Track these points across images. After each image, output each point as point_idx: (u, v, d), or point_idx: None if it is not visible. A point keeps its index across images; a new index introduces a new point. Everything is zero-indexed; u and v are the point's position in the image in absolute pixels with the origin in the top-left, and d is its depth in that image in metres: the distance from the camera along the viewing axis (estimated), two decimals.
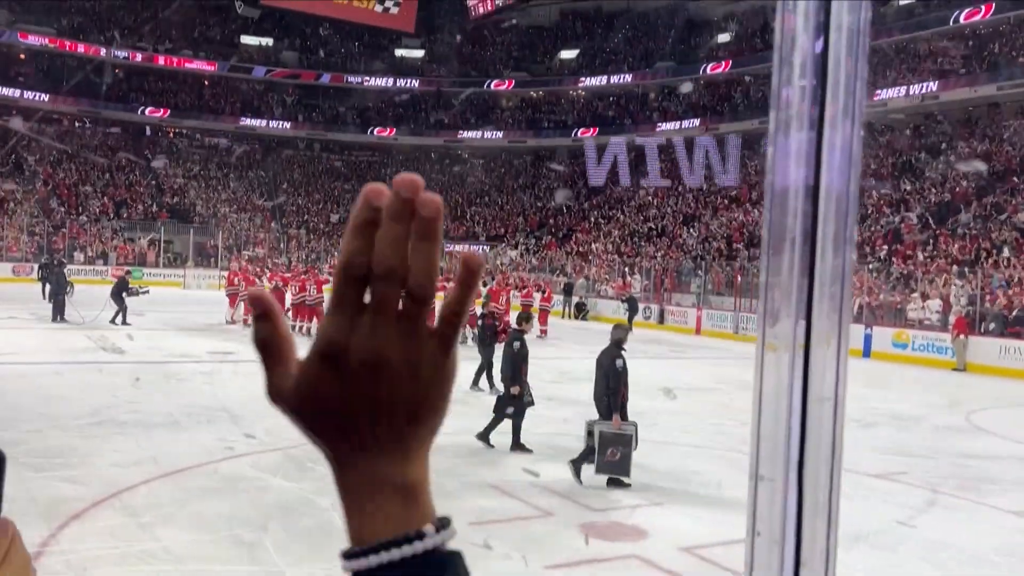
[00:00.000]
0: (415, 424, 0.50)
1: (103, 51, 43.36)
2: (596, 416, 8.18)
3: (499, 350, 12.17)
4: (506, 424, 9.32)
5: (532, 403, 9.40)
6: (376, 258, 0.46)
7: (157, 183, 44.39)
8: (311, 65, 48.52)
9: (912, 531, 7.12)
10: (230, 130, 48.15)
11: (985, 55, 33.17)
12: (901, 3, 34.42)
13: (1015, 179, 29.03)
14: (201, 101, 47.29)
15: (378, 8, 44.65)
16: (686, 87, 41.39)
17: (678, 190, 40.02)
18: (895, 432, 11.21)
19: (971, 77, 32.68)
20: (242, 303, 21.10)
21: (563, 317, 29.42)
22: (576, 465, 7.95)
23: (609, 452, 7.75)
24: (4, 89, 41.51)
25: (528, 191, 48.10)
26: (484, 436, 9.16)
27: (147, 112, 45.27)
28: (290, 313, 20.16)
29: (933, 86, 33.25)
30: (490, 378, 12.67)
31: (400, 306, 0.47)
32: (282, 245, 41.86)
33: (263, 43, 48.44)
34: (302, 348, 0.49)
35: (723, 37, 42.99)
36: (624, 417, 7.97)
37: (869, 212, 30.71)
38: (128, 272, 25.04)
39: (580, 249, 39.00)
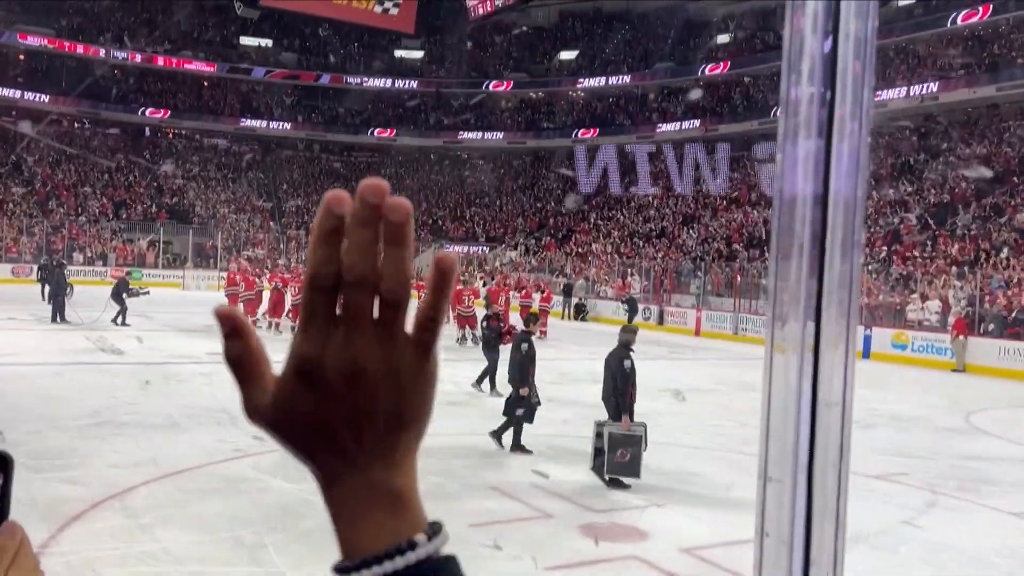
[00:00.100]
0: (399, 431, 0.48)
1: (102, 52, 43.36)
2: (595, 417, 8.19)
3: (503, 351, 12.21)
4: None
5: (539, 403, 9.43)
6: (346, 266, 0.46)
7: (157, 184, 44.39)
8: (310, 66, 48.52)
9: (912, 532, 7.12)
10: (229, 131, 48.16)
11: (984, 56, 33.20)
12: (900, 4, 34.44)
13: (1015, 179, 29.07)
14: (200, 102, 47.29)
15: (377, 9, 44.64)
16: (695, 93, 41.44)
17: (676, 191, 40.07)
18: (895, 433, 11.21)
19: (971, 78, 32.71)
20: (242, 304, 21.10)
21: (563, 318, 29.43)
22: (599, 471, 7.98)
23: (619, 453, 7.78)
24: (3, 90, 41.49)
25: (528, 192, 48.12)
26: (497, 434, 9.20)
27: (147, 113, 45.26)
28: (290, 314, 20.16)
29: (933, 87, 33.28)
30: (492, 381, 12.65)
31: (374, 314, 0.46)
32: (281, 246, 41.86)
33: (262, 44, 48.44)
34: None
35: (722, 38, 43.02)
36: (632, 418, 8.01)
37: (869, 213, 30.73)
38: (128, 273, 25.02)
39: (579, 250, 39.02)
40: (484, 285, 26.48)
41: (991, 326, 20.62)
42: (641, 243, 37.50)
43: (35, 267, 29.89)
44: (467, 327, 19.59)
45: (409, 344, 0.47)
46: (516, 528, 6.69)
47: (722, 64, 41.22)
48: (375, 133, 48.54)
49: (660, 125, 43.29)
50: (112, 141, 45.74)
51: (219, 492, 7.25)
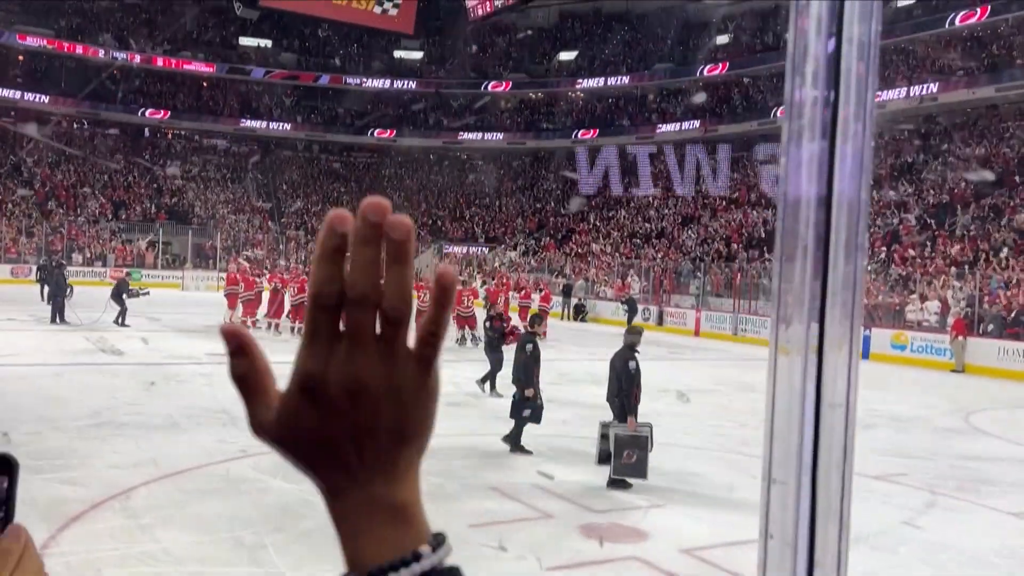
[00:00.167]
0: (401, 446, 0.49)
1: (102, 52, 43.35)
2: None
3: (505, 351, 12.20)
4: (507, 425, 9.33)
5: (541, 405, 9.44)
6: (349, 284, 0.47)
7: (156, 184, 44.40)
8: (310, 67, 48.51)
9: (911, 532, 7.13)
10: (229, 131, 48.15)
11: (984, 57, 33.22)
12: (899, 5, 34.46)
13: (1015, 180, 29.09)
14: (200, 103, 47.28)
15: (377, 9, 44.63)
16: (695, 94, 41.49)
17: (676, 192, 40.08)
18: (894, 433, 11.22)
19: (970, 79, 32.73)
20: (241, 304, 21.10)
21: (562, 319, 29.43)
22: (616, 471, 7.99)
23: (625, 454, 7.81)
24: (3, 91, 41.47)
25: (527, 192, 48.13)
26: (514, 440, 9.20)
27: (147, 114, 45.26)
28: (289, 315, 20.15)
29: (933, 88, 33.29)
30: (492, 382, 12.63)
31: (377, 330, 0.47)
32: (281, 246, 41.86)
33: (262, 44, 48.43)
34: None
35: (721, 39, 43.04)
36: (636, 419, 8.03)
37: (868, 214, 30.70)
38: (128, 274, 24.99)
39: (579, 250, 39.03)
40: (483, 285, 26.50)
41: (990, 327, 20.63)
42: (641, 243, 37.52)
43: (34, 267, 29.89)
44: (466, 328, 19.60)
45: (411, 360, 0.48)
46: (517, 529, 6.70)
47: (721, 65, 41.25)
48: (375, 134, 48.54)
49: (660, 126, 43.30)
50: (111, 142, 45.73)
51: (219, 492, 7.25)
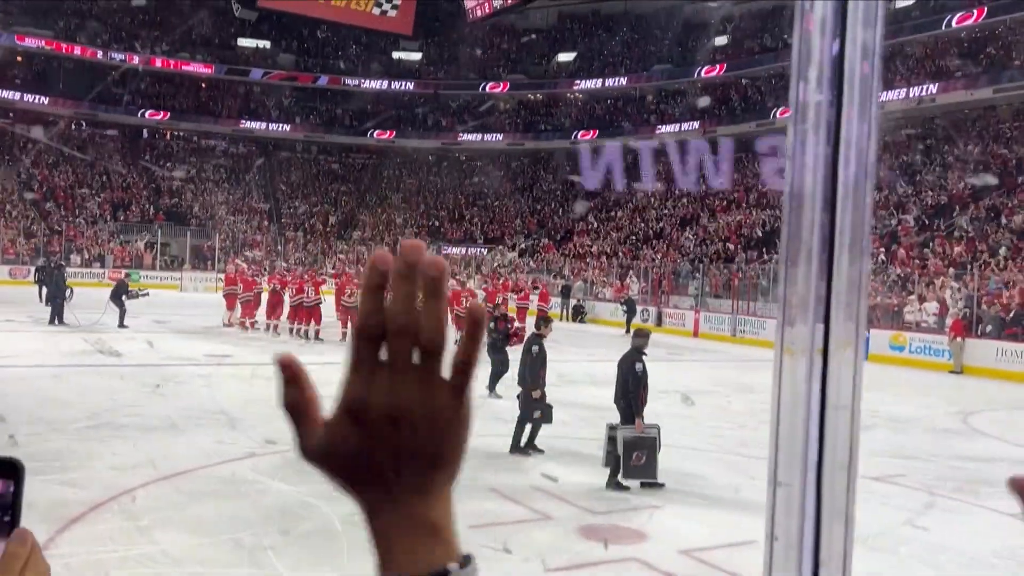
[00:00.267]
0: (435, 469, 0.53)
1: (100, 54, 43.33)
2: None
3: (508, 352, 12.19)
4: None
5: (551, 405, 9.46)
6: (389, 317, 0.51)
7: (155, 185, 44.37)
8: (309, 68, 48.50)
9: (911, 533, 7.13)
10: (228, 132, 48.14)
11: (981, 58, 33.27)
12: (896, 7, 34.51)
13: (1014, 181, 29.12)
14: (199, 103, 47.26)
15: (376, 11, 44.62)
16: (694, 95, 41.50)
17: (675, 192, 40.10)
18: (892, 434, 11.22)
19: (969, 80, 32.77)
20: (240, 305, 21.08)
21: (561, 319, 29.42)
22: (613, 479, 7.99)
23: (635, 456, 7.83)
24: (1, 92, 41.45)
25: (526, 193, 48.13)
26: (530, 443, 9.22)
27: (146, 115, 45.23)
28: (287, 316, 20.13)
29: (932, 88, 33.33)
30: (493, 384, 12.62)
31: (415, 359, 0.52)
32: (280, 247, 41.84)
33: (260, 45, 48.41)
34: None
35: (720, 40, 43.08)
36: (642, 420, 8.07)
37: None
38: (127, 275, 24.96)
39: (578, 251, 39.04)
40: (481, 286, 26.52)
41: (989, 327, 20.65)
42: (639, 244, 37.53)
43: (32, 269, 29.86)
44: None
45: (445, 387, 0.52)
46: (517, 530, 6.70)
47: (720, 66, 41.29)
48: (373, 135, 48.54)
49: (659, 127, 43.32)
50: (110, 143, 45.72)
51: (218, 494, 7.25)
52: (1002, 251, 25.32)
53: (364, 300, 0.52)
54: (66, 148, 42.29)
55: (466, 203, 47.92)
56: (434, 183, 49.33)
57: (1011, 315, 20.52)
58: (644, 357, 8.27)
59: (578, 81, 46.83)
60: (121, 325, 19.39)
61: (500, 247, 43.07)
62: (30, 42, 41.83)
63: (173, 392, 12.02)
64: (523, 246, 42.45)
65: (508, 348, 12.48)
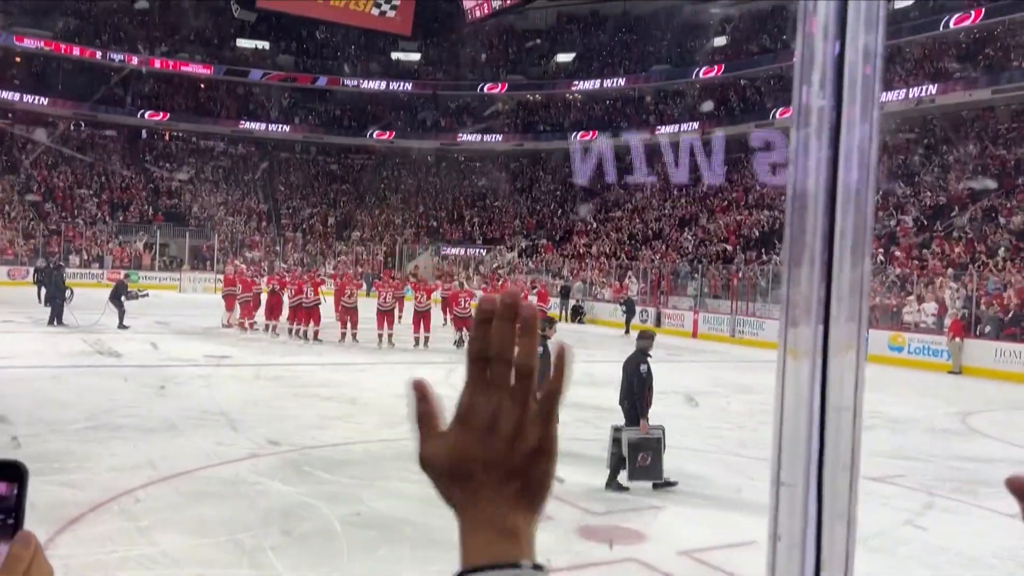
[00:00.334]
0: (514, 479, 0.62)
1: (99, 54, 43.31)
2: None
3: None
4: None
5: None
6: (493, 345, 0.63)
7: (153, 186, 44.35)
8: (308, 68, 48.49)
9: (910, 534, 7.14)
10: (227, 133, 48.13)
11: (980, 59, 33.31)
12: (895, 7, 34.54)
13: (1013, 182, 29.15)
14: (198, 104, 47.24)
15: (375, 11, 44.62)
16: (693, 96, 41.54)
17: (674, 193, 40.12)
18: (891, 435, 11.23)
19: (968, 81, 32.79)
20: (239, 306, 21.06)
21: (560, 320, 29.43)
22: (613, 479, 8.00)
23: (640, 457, 7.86)
24: (1, 92, 41.43)
25: (525, 194, 48.14)
26: None
27: (145, 115, 45.21)
28: (286, 316, 20.11)
29: (932, 89, 33.35)
30: None
31: (511, 380, 0.63)
32: (279, 248, 41.83)
33: (259, 46, 48.40)
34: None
35: (719, 41, 43.11)
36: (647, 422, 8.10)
37: None
38: (126, 275, 24.94)
39: (577, 252, 39.05)
40: (482, 286, 26.54)
41: (987, 328, 20.67)
42: (639, 245, 37.54)
43: (31, 269, 29.84)
44: (464, 329, 19.62)
45: (534, 407, 0.63)
46: None
47: (718, 67, 41.32)
48: (372, 135, 48.54)
49: (658, 127, 43.34)
50: (110, 143, 45.69)
51: (218, 495, 7.24)
52: (1001, 252, 25.34)
53: (474, 331, 0.63)
54: (65, 149, 42.27)
55: (465, 204, 47.92)
56: (433, 184, 49.33)
57: (1010, 315, 20.54)
58: (649, 359, 8.29)
59: (577, 82, 46.85)
60: (121, 326, 19.38)
61: (499, 248, 43.07)
62: (29, 43, 41.79)
63: (173, 393, 12.02)
64: (522, 247, 42.46)
65: None
